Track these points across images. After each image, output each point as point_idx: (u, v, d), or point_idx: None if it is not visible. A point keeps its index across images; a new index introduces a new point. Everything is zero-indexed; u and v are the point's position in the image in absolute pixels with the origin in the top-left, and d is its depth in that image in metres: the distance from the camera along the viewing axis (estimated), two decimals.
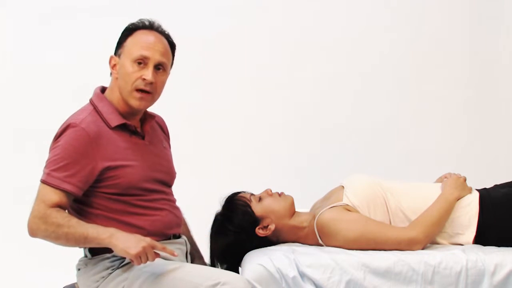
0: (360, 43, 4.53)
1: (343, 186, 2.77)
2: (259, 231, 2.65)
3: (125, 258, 2.36)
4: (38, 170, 3.91)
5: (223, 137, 4.41)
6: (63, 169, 2.31)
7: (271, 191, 2.74)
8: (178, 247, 2.53)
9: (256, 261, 2.45)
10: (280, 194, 2.73)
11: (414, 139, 4.56)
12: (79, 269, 2.47)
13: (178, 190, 2.80)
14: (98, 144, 2.35)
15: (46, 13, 4.31)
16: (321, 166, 4.42)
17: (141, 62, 2.40)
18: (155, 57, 2.42)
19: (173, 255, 2.27)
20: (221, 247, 2.67)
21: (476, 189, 2.77)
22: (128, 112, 2.46)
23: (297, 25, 4.47)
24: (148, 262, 2.27)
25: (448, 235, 2.66)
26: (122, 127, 2.44)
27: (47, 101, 4.30)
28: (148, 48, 2.41)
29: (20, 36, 4.35)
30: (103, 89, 2.53)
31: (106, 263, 2.38)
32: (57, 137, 2.38)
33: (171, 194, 2.58)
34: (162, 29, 2.50)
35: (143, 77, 2.40)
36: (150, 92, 2.43)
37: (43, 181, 2.33)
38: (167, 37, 2.50)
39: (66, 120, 2.41)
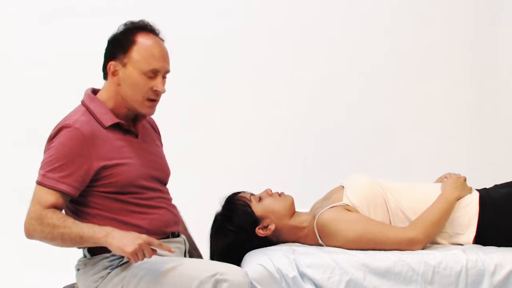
0: (360, 43, 4.53)
1: (343, 186, 2.77)
2: (259, 231, 2.66)
3: (123, 257, 2.37)
4: (38, 170, 3.88)
5: (223, 137, 4.41)
6: (58, 170, 2.31)
7: (271, 191, 2.74)
8: (177, 246, 2.53)
9: (256, 261, 2.45)
10: (280, 194, 2.73)
11: (414, 139, 4.56)
12: (78, 270, 2.47)
13: (178, 190, 2.80)
14: (93, 144, 2.35)
15: (46, 13, 4.31)
16: (321, 166, 4.42)
17: (152, 74, 2.41)
18: (165, 68, 2.44)
19: (170, 251, 2.27)
20: (221, 247, 2.67)
21: (476, 189, 2.77)
22: (123, 114, 2.47)
23: (297, 25, 4.47)
24: (145, 259, 2.28)
25: (448, 235, 2.66)
26: (115, 126, 2.44)
27: (46, 101, 4.30)
28: (158, 60, 2.41)
29: (20, 36, 4.35)
30: (93, 91, 2.52)
31: (105, 262, 2.39)
32: (51, 138, 2.38)
33: (167, 192, 2.58)
34: (158, 31, 2.49)
35: (155, 88, 2.42)
36: (158, 99, 2.47)
37: (39, 183, 2.32)
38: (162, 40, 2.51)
39: (59, 122, 2.41)
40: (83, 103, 2.47)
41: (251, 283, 2.35)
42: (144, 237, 2.22)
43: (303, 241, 2.69)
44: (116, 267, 2.38)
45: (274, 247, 2.64)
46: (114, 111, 2.45)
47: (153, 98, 2.44)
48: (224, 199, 2.75)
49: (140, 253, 2.19)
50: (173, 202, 2.66)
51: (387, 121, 4.54)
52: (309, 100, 4.52)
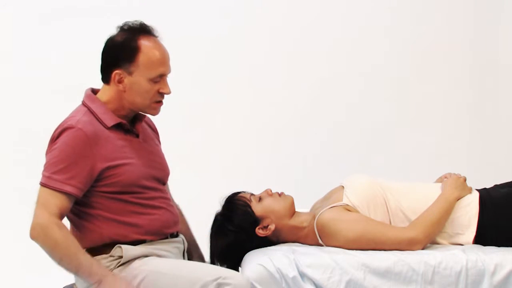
0: (360, 43, 4.53)
1: (343, 186, 2.77)
2: (259, 231, 2.65)
3: (121, 258, 2.37)
4: (38, 170, 3.90)
5: (223, 137, 4.42)
6: (63, 171, 2.30)
7: (271, 191, 2.74)
8: (176, 245, 2.53)
9: (256, 261, 2.45)
10: (280, 194, 2.73)
11: (414, 139, 4.56)
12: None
13: (178, 190, 2.80)
14: (96, 144, 2.35)
15: (46, 13, 4.31)
16: (321, 166, 4.42)
17: (158, 79, 2.42)
18: (169, 69, 2.46)
19: None
20: (221, 247, 2.67)
21: (476, 189, 2.77)
22: (123, 115, 2.47)
23: (296, 25, 4.47)
24: (145, 260, 2.30)
25: (448, 235, 2.66)
26: (117, 126, 2.44)
27: (46, 101, 4.30)
28: (163, 65, 2.42)
29: (19, 36, 4.35)
30: (93, 91, 2.52)
31: (104, 263, 2.38)
32: (54, 139, 2.37)
33: (166, 191, 2.59)
34: (157, 31, 2.48)
35: (161, 91, 2.43)
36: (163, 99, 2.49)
37: (44, 184, 2.32)
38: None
39: (61, 123, 2.41)
40: (84, 103, 2.46)
41: (251, 283, 2.35)
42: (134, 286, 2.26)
43: (303, 241, 2.69)
44: (115, 267, 2.38)
45: (274, 247, 2.64)
46: (114, 112, 2.45)
47: (160, 100, 2.46)
48: (224, 199, 2.75)
49: None
50: (175, 201, 2.67)
51: (387, 121, 4.54)
52: (309, 100, 4.52)
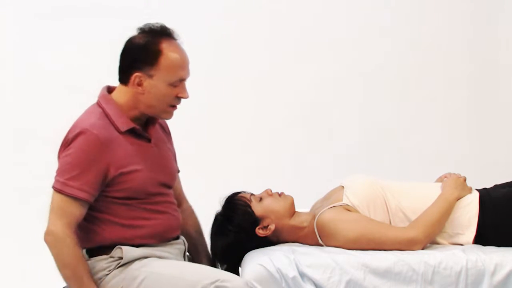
0: (360, 43, 4.53)
1: (343, 186, 2.77)
2: (259, 231, 2.65)
3: (121, 259, 2.37)
4: (39, 171, 3.92)
5: (223, 137, 4.42)
6: (78, 178, 2.29)
7: (271, 191, 2.74)
8: (176, 247, 2.53)
9: (256, 261, 2.45)
10: (280, 194, 2.73)
11: (414, 139, 4.56)
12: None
13: None
14: (109, 149, 2.34)
15: (46, 12, 4.31)
16: (321, 166, 4.42)
17: (178, 83, 2.41)
18: (189, 74, 2.45)
19: None
20: (221, 247, 2.67)
21: (476, 189, 2.77)
22: (136, 117, 2.45)
23: (297, 25, 4.48)
24: (145, 261, 2.32)
25: (448, 235, 2.65)
26: (130, 131, 2.42)
27: (47, 101, 4.31)
28: (184, 69, 2.42)
29: (18, 36, 4.35)
30: (108, 89, 2.50)
31: (103, 264, 2.39)
32: (68, 143, 2.35)
33: (171, 195, 2.58)
34: (177, 34, 2.46)
35: (180, 95, 2.42)
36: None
37: (59, 190, 2.30)
38: None
39: (75, 125, 2.38)
40: (98, 104, 2.44)
41: (251, 283, 2.35)
42: None
43: (303, 241, 2.68)
44: (114, 269, 2.38)
45: (274, 247, 2.64)
46: (128, 115, 2.43)
47: (175, 104, 2.45)
48: (224, 199, 2.75)
49: None
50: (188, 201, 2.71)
51: (387, 121, 4.55)
52: (309, 100, 4.52)
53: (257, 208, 2.67)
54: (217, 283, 2.25)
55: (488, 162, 4.51)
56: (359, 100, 4.55)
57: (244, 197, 2.72)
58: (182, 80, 2.42)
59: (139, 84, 2.39)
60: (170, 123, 2.76)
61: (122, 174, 2.35)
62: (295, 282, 2.39)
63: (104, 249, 2.39)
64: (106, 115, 2.40)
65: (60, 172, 2.33)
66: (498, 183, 2.87)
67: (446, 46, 4.59)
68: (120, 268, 2.38)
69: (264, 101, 4.47)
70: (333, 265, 2.41)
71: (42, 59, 4.32)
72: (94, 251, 2.39)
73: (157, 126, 2.59)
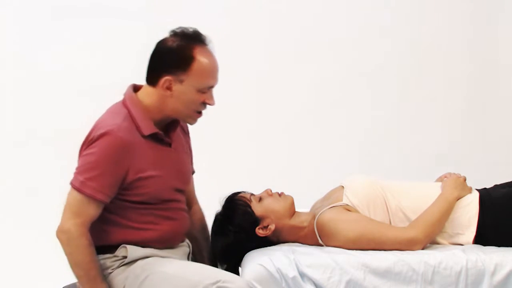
0: (360, 43, 4.53)
1: (343, 186, 2.77)
2: (259, 231, 2.65)
3: (125, 258, 2.38)
4: (38, 171, 3.91)
5: (223, 137, 4.41)
6: (98, 179, 2.28)
7: (271, 191, 2.74)
8: (181, 250, 2.54)
9: (256, 261, 2.45)
10: (280, 194, 2.73)
11: (414, 139, 4.56)
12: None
13: None
14: (131, 154, 2.33)
15: (46, 12, 4.32)
16: (321, 166, 4.42)
17: (206, 90, 2.41)
18: (217, 81, 2.45)
19: None
20: (221, 247, 2.67)
21: (476, 189, 2.77)
22: (160, 120, 2.44)
23: (297, 25, 4.48)
24: (148, 260, 2.32)
25: (448, 235, 2.65)
26: (152, 135, 2.41)
27: (47, 101, 4.31)
28: (214, 77, 2.42)
29: (18, 35, 4.35)
30: (134, 87, 2.47)
31: (107, 262, 2.39)
32: (92, 142, 2.32)
33: (184, 201, 2.58)
34: (210, 40, 2.45)
35: (207, 101, 2.42)
36: None
37: (78, 189, 2.30)
38: None
39: (100, 123, 2.36)
40: (124, 104, 2.42)
41: (251, 283, 2.35)
42: None
43: (303, 241, 2.68)
44: (118, 267, 2.38)
45: (274, 247, 2.64)
46: (153, 118, 2.41)
47: (201, 110, 2.45)
48: (224, 199, 2.75)
49: None
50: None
51: (387, 121, 4.55)
52: (309, 100, 4.52)
53: (257, 208, 2.67)
54: (218, 284, 2.25)
55: (488, 162, 4.51)
56: (359, 100, 4.55)
57: (244, 197, 2.72)
58: (211, 87, 2.42)
59: (168, 88, 2.37)
60: None
61: (140, 179, 2.35)
62: (295, 282, 2.39)
63: (109, 248, 2.39)
64: (131, 117, 2.38)
65: (80, 170, 2.32)
66: (498, 183, 2.87)
67: (446, 46, 4.59)
68: (123, 267, 2.38)
69: (264, 101, 4.47)
70: (333, 265, 2.41)
71: (42, 59, 4.33)
72: (99, 249, 2.39)
73: (178, 129, 2.57)
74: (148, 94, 2.42)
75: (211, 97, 2.43)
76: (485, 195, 2.71)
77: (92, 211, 2.30)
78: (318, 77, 4.50)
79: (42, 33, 4.33)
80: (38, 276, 3.88)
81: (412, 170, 4.32)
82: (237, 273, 2.58)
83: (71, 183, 2.32)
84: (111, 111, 2.43)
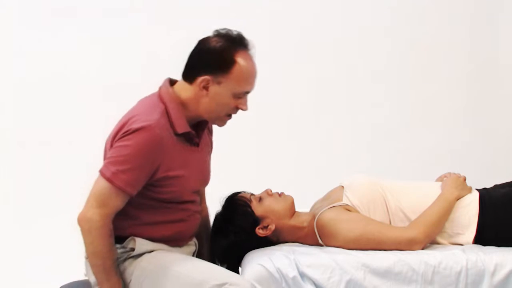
0: (360, 43, 4.53)
1: (343, 186, 2.77)
2: (259, 231, 2.65)
3: (133, 250, 2.37)
4: (37, 171, 3.90)
5: (223, 137, 4.40)
6: (130, 172, 2.27)
7: (271, 191, 2.74)
8: (187, 249, 2.54)
9: (256, 261, 2.45)
10: (280, 194, 2.73)
11: (414, 139, 4.57)
12: (87, 258, 2.43)
13: None
14: (164, 151, 2.31)
15: (46, 12, 4.33)
16: (321, 166, 4.42)
17: (242, 95, 2.41)
18: (254, 88, 2.45)
19: None
20: (221, 247, 2.67)
21: (476, 189, 2.77)
22: (192, 118, 2.43)
23: (297, 25, 4.48)
24: (154, 254, 2.33)
25: (448, 235, 2.65)
26: (184, 134, 2.40)
27: (49, 99, 4.32)
28: (251, 84, 2.42)
29: (16, 35, 4.36)
30: (171, 82, 2.46)
31: None
32: (127, 134, 2.29)
33: (198, 201, 2.58)
34: (251, 45, 2.45)
35: (240, 107, 2.42)
36: None
37: (109, 179, 2.27)
38: None
39: (135, 115, 2.32)
40: (161, 100, 2.39)
41: (251, 283, 2.35)
42: None
43: (303, 241, 2.68)
44: (125, 259, 2.38)
45: (274, 247, 2.64)
46: (186, 115, 2.40)
47: (232, 114, 2.45)
48: (224, 199, 2.75)
49: None
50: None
51: (387, 121, 4.55)
52: (309, 100, 4.52)
53: (257, 208, 2.67)
54: (225, 286, 2.23)
55: (488, 162, 4.51)
56: (358, 100, 4.55)
57: (244, 197, 2.72)
58: (246, 93, 2.42)
59: (205, 88, 2.37)
60: None
61: (167, 177, 2.34)
62: (295, 282, 2.39)
63: (118, 238, 2.37)
64: (168, 114, 2.36)
65: (112, 161, 2.29)
66: (498, 183, 2.87)
67: (446, 46, 4.59)
68: (130, 260, 2.38)
69: (264, 101, 4.45)
70: (333, 265, 2.41)
71: (42, 59, 4.33)
72: None
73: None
74: (185, 91, 2.40)
75: (245, 103, 2.43)
76: (485, 195, 2.71)
77: (119, 203, 2.28)
78: (318, 77, 4.50)
79: (43, 32, 4.34)
80: (36, 276, 3.88)
81: (412, 170, 4.32)
82: (237, 273, 2.58)
83: (101, 172, 2.29)
84: (147, 104, 2.40)
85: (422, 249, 2.54)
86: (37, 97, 4.33)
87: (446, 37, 4.59)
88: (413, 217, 2.64)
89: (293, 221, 2.69)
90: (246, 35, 2.47)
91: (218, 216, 2.72)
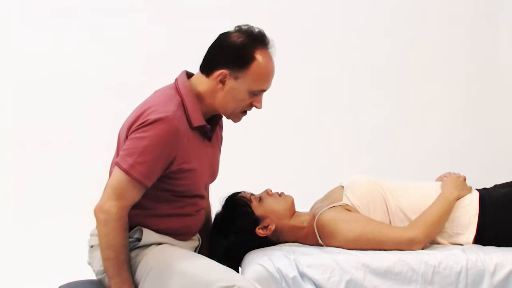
0: (360, 43, 4.53)
1: (343, 186, 2.77)
2: (259, 231, 2.65)
3: (139, 240, 2.36)
4: (37, 171, 3.89)
5: (223, 136, 4.41)
6: (148, 165, 2.25)
7: (271, 191, 2.74)
8: (190, 244, 2.54)
9: (256, 261, 2.45)
10: (280, 194, 2.73)
11: (414, 139, 4.57)
12: (91, 246, 2.44)
13: None
14: (180, 143, 2.30)
15: (46, 11, 4.33)
16: (321, 166, 4.42)
17: (258, 93, 2.41)
18: (270, 86, 2.44)
19: None
20: (221, 247, 2.67)
21: (476, 189, 2.77)
22: (207, 112, 2.42)
23: (297, 25, 4.48)
24: (161, 248, 2.33)
25: (448, 235, 2.65)
26: (199, 127, 2.40)
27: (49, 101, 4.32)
28: (269, 82, 2.42)
29: (16, 35, 4.36)
30: (187, 74, 2.45)
31: None
32: (144, 125, 2.27)
33: (206, 197, 2.58)
34: (272, 43, 2.45)
35: (255, 104, 2.42)
36: None
37: (126, 171, 2.25)
38: None
39: (152, 106, 2.31)
40: (178, 92, 2.38)
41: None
42: None
43: (303, 241, 2.68)
44: (132, 249, 2.35)
45: (274, 247, 2.63)
46: (202, 109, 2.40)
47: (246, 111, 2.44)
48: (224, 199, 2.75)
49: None
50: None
51: (387, 120, 4.55)
52: (309, 100, 4.52)
53: (257, 208, 2.67)
54: None
55: (488, 162, 4.51)
56: (359, 100, 4.55)
57: (244, 197, 2.72)
58: (262, 91, 2.42)
59: (222, 82, 2.36)
60: None
61: (181, 170, 2.33)
62: (295, 282, 2.39)
63: None
64: (184, 106, 2.35)
65: (129, 152, 2.27)
66: (498, 183, 2.87)
67: (446, 46, 4.59)
68: (136, 250, 2.36)
69: (264, 101, 4.46)
70: (333, 265, 2.41)
71: (41, 59, 4.33)
72: None
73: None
74: (201, 83, 2.40)
75: (260, 101, 2.43)
76: (485, 195, 2.71)
77: (136, 195, 2.27)
78: (318, 77, 4.50)
79: (43, 32, 4.34)
80: (35, 276, 3.88)
81: (412, 170, 4.32)
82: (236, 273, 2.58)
83: (118, 164, 2.28)
84: (164, 95, 2.39)
85: (422, 249, 2.54)
86: (37, 97, 4.34)
87: (446, 37, 4.59)
88: (413, 217, 2.64)
89: (293, 221, 2.69)
90: None
91: (218, 216, 2.72)
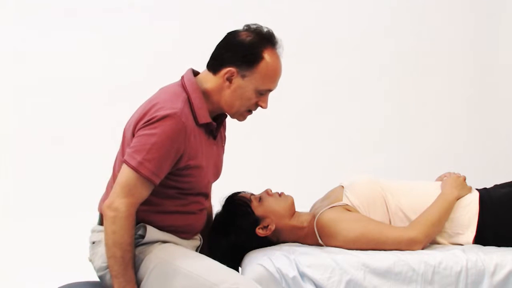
0: (361, 43, 4.53)
1: (343, 186, 2.77)
2: (259, 231, 2.65)
3: (142, 237, 2.36)
4: (37, 171, 3.90)
5: None
6: (156, 162, 2.24)
7: (271, 191, 2.74)
8: (191, 243, 2.53)
9: (256, 261, 2.46)
10: (280, 194, 2.73)
11: (414, 139, 4.57)
12: (93, 242, 2.43)
13: None
14: (187, 140, 2.30)
15: (45, 12, 4.33)
16: (321, 166, 4.42)
17: (264, 93, 2.41)
18: (276, 86, 2.44)
19: None
20: (221, 247, 2.67)
21: (476, 189, 2.77)
22: (212, 110, 2.42)
23: (299, 25, 4.48)
24: (165, 246, 2.32)
25: (448, 235, 2.66)
26: (205, 125, 2.40)
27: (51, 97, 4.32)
28: (275, 82, 2.43)
29: (15, 35, 4.37)
30: (193, 72, 2.45)
31: None
32: (152, 122, 2.26)
33: (209, 196, 2.58)
34: (280, 43, 2.46)
35: (261, 104, 2.42)
36: None
37: (135, 169, 2.24)
38: None
39: (159, 103, 2.30)
40: (185, 89, 2.38)
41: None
42: None
43: (303, 241, 2.68)
44: (135, 246, 2.33)
45: (274, 247, 2.64)
46: (208, 106, 2.40)
47: (253, 110, 2.45)
48: (224, 199, 2.75)
49: None
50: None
51: (387, 120, 4.55)
52: (309, 100, 4.52)
53: (257, 208, 2.67)
54: None
55: (488, 162, 4.51)
56: (359, 100, 4.55)
57: (244, 197, 2.72)
58: (269, 91, 2.42)
59: (229, 79, 2.37)
60: None
61: (187, 167, 2.33)
62: (295, 282, 2.39)
63: None
64: (190, 103, 2.35)
65: (138, 149, 2.25)
66: (498, 183, 2.87)
67: (446, 46, 4.59)
68: (139, 248, 2.35)
69: None
70: (333, 265, 2.41)
71: (42, 59, 4.34)
72: None
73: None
74: (208, 81, 2.40)
75: (266, 101, 2.43)
76: (485, 195, 2.71)
77: (144, 192, 2.26)
78: (318, 77, 4.50)
79: (43, 32, 4.34)
80: (34, 276, 3.88)
81: (412, 170, 4.32)
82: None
83: (126, 162, 2.26)
84: (170, 92, 2.39)
85: (422, 249, 2.54)
86: (37, 98, 4.34)
87: (447, 38, 4.59)
88: (413, 217, 2.65)
89: (293, 221, 2.69)
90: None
91: (218, 216, 2.72)
